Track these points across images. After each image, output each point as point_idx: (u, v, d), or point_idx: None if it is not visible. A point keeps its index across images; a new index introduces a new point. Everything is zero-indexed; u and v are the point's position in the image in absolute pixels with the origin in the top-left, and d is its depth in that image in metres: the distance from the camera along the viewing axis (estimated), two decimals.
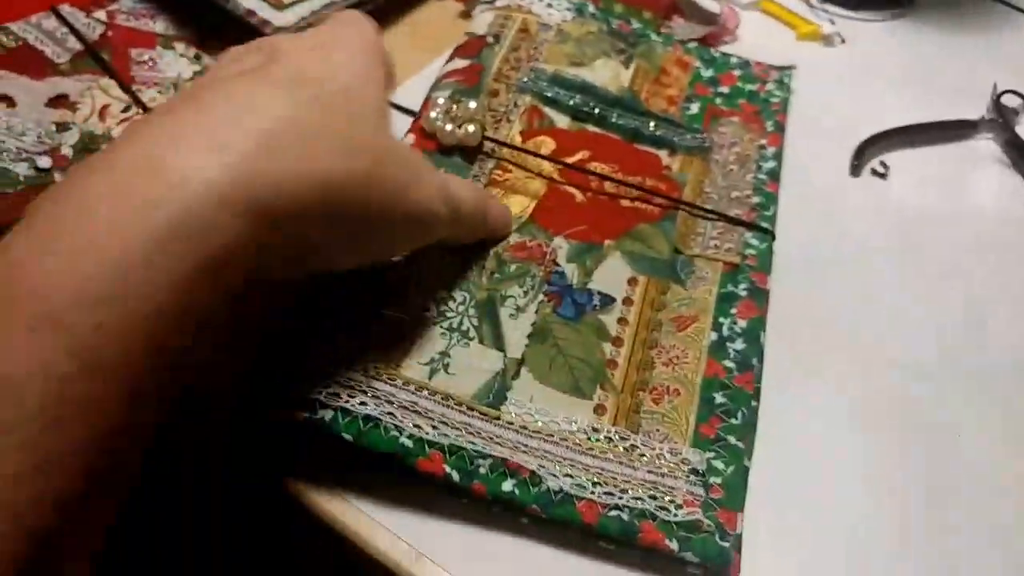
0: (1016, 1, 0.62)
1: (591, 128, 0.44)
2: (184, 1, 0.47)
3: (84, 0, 0.47)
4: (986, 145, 0.50)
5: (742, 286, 0.38)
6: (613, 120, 0.44)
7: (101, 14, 0.47)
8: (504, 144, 0.41)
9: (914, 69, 0.55)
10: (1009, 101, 0.50)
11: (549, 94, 0.44)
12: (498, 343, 0.34)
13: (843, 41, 0.57)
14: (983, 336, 0.40)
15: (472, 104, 0.41)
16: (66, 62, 0.44)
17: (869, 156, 0.48)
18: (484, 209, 0.35)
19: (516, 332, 0.34)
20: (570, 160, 0.41)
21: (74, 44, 0.45)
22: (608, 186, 0.41)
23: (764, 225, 0.40)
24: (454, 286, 0.35)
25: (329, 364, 0.31)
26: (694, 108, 0.46)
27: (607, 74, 0.46)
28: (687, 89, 0.47)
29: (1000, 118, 0.50)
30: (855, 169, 0.47)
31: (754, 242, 0.40)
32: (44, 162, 0.39)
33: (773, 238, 0.40)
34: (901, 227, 0.44)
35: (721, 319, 0.36)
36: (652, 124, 0.44)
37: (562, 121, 0.43)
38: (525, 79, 0.44)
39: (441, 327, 0.34)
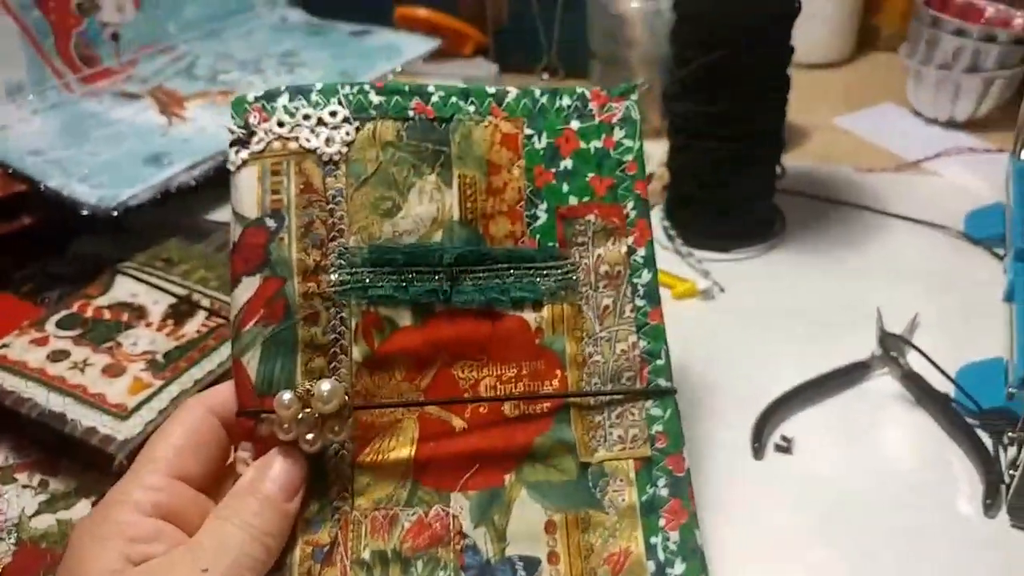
0: (880, 203, 0.63)
1: (439, 310, 0.35)
2: (23, 425, 0.44)
3: None
4: (884, 383, 0.48)
5: (661, 482, 0.34)
6: (461, 293, 0.35)
7: None
8: (372, 407, 0.34)
9: (797, 303, 0.55)
10: (893, 336, 0.49)
11: (377, 289, 0.35)
12: None
13: (722, 290, 0.56)
14: None
15: (326, 387, 0.32)
16: None
17: (769, 431, 0.45)
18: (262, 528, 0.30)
19: None
20: (431, 370, 0.35)
21: None
22: (484, 393, 0.35)
23: (661, 383, 0.36)
24: None
25: None
26: (541, 215, 0.37)
27: (429, 210, 0.36)
28: (526, 184, 0.37)
29: (890, 353, 0.48)
30: (756, 452, 0.44)
31: (657, 411, 0.35)
32: None
33: (674, 394, 0.36)
34: (820, 510, 0.41)
35: (652, 539, 0.33)
36: (504, 281, 0.36)
37: (403, 317, 0.35)
38: (339, 280, 0.34)
39: None
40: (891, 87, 0.79)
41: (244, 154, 0.35)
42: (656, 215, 0.62)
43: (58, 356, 0.46)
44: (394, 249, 0.35)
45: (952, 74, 0.69)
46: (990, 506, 0.40)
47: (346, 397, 0.32)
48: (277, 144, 0.35)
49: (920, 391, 0.47)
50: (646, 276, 0.37)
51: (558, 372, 0.35)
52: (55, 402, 0.44)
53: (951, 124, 0.73)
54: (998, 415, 0.44)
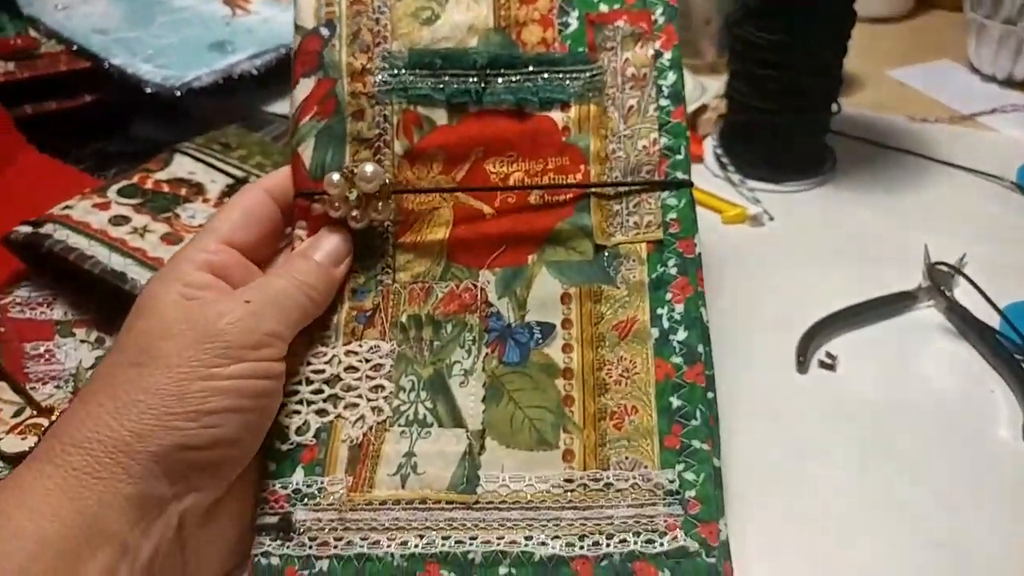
0: (932, 152, 0.63)
1: (473, 111, 0.38)
2: (81, 282, 0.45)
3: None
4: (929, 314, 0.49)
5: (671, 262, 0.37)
6: (493, 94, 0.38)
7: None
8: (410, 191, 0.38)
9: (846, 236, 0.55)
10: (942, 267, 0.49)
11: (416, 90, 0.38)
12: (456, 420, 0.34)
13: (771, 218, 0.56)
14: (959, 540, 0.36)
15: (369, 168, 0.36)
16: None
17: (814, 348, 0.46)
18: (311, 280, 0.35)
19: (470, 400, 0.35)
20: (465, 164, 0.38)
21: None
22: (513, 184, 0.38)
23: (679, 176, 0.38)
24: (399, 374, 0.35)
25: (308, 510, 0.33)
26: (572, 22, 0.39)
27: (466, 18, 0.39)
28: None
29: (936, 286, 0.48)
30: (801, 365, 0.45)
31: (672, 201, 0.37)
32: None
33: (691, 186, 0.38)
34: (860, 424, 0.42)
35: (659, 310, 0.36)
36: (535, 83, 0.38)
37: (440, 116, 0.38)
38: (382, 80, 0.38)
39: (399, 426, 0.34)
40: (948, 45, 0.78)
41: None
42: (709, 144, 0.62)
43: (119, 221, 0.47)
44: (432, 53, 0.39)
45: (1017, 29, 0.68)
46: None
47: (387, 180, 0.36)
48: None
49: (964, 323, 0.47)
50: (671, 78, 0.39)
51: (582, 167, 0.38)
52: (116, 262, 0.44)
53: (1009, 83, 0.72)
54: None
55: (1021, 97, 0.70)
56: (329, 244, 0.36)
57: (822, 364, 0.45)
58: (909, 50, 0.80)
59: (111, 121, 0.58)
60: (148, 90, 0.53)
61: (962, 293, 0.48)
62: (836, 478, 0.39)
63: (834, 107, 0.59)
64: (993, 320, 0.46)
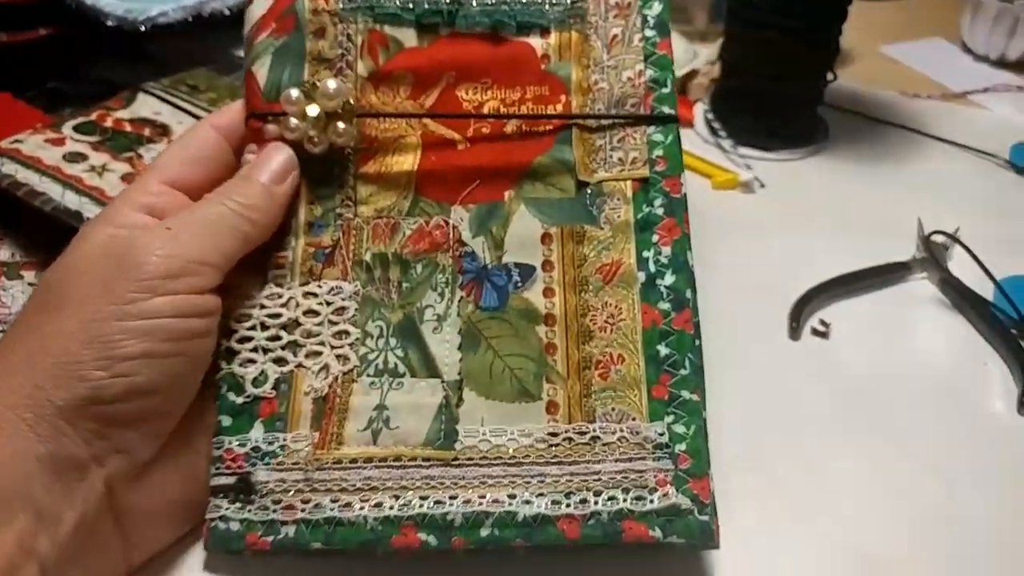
0: (924, 127, 0.61)
1: (445, 33, 0.36)
2: (32, 222, 0.42)
3: None
4: (922, 285, 0.47)
5: (657, 202, 0.34)
6: (466, 16, 0.36)
7: None
8: (375, 115, 0.35)
9: (838, 207, 0.54)
10: (937, 237, 0.48)
11: (383, 8, 0.36)
12: (431, 369, 0.32)
13: (763, 186, 0.54)
14: (951, 510, 0.35)
15: (331, 83, 0.33)
16: None
17: (807, 315, 0.44)
18: (252, 202, 0.31)
19: (445, 348, 0.32)
20: (435, 90, 0.36)
21: None
22: (488, 113, 0.36)
23: (665, 111, 0.35)
24: (365, 319, 0.33)
25: (270, 470, 0.30)
26: None
27: None
28: None
29: (931, 256, 0.47)
30: (794, 332, 0.43)
31: (659, 137, 0.35)
32: None
33: (677, 121, 0.36)
34: (853, 393, 0.40)
35: (645, 253, 0.34)
36: (512, 7, 0.36)
37: (409, 38, 0.36)
38: None
39: (368, 376, 0.32)
40: (941, 23, 0.77)
41: None
42: (700, 109, 0.61)
43: (75, 158, 0.44)
44: None
45: (1013, 7, 0.67)
46: None
47: (350, 99, 0.34)
48: None
49: (958, 296, 0.46)
50: (657, 8, 0.37)
51: (562, 97, 0.36)
52: (71, 200, 0.41)
53: (1001, 63, 0.71)
54: None
55: (1013, 77, 0.70)
56: (273, 163, 0.33)
57: (815, 331, 0.44)
58: (902, 27, 0.79)
59: (69, 60, 0.54)
60: (109, 23, 0.50)
61: (956, 266, 0.47)
62: (827, 445, 0.38)
63: (829, 76, 0.58)
64: (987, 293, 0.45)
